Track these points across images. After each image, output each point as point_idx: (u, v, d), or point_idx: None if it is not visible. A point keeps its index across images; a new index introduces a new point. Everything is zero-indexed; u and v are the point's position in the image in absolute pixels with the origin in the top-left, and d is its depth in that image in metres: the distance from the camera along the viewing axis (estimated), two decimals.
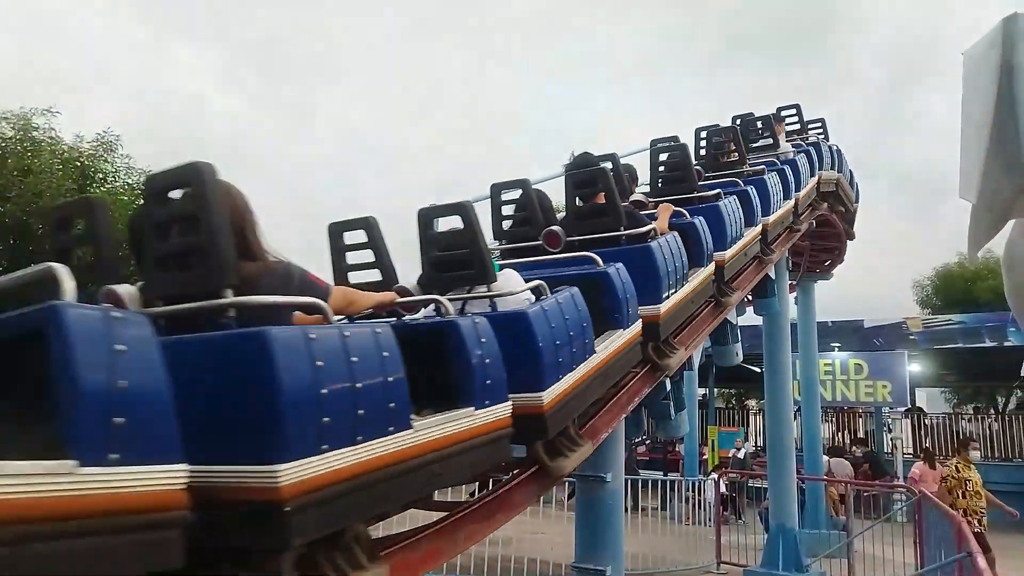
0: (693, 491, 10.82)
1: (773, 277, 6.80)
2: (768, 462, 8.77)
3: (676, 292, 4.10)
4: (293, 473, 1.69)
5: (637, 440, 18.40)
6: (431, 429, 2.19)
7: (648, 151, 6.33)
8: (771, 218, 6.21)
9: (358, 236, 2.89)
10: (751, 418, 22.13)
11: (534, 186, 4.33)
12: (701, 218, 4.65)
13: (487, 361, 2.50)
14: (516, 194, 4.27)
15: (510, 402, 2.61)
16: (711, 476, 11.87)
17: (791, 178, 7.00)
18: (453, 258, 3.06)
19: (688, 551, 9.44)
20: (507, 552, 8.45)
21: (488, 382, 2.49)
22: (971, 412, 21.09)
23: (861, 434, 19.56)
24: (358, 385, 1.90)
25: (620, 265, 3.57)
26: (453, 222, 3.06)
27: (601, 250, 3.72)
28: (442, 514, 2.61)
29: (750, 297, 6.72)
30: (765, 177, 6.27)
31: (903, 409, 16.77)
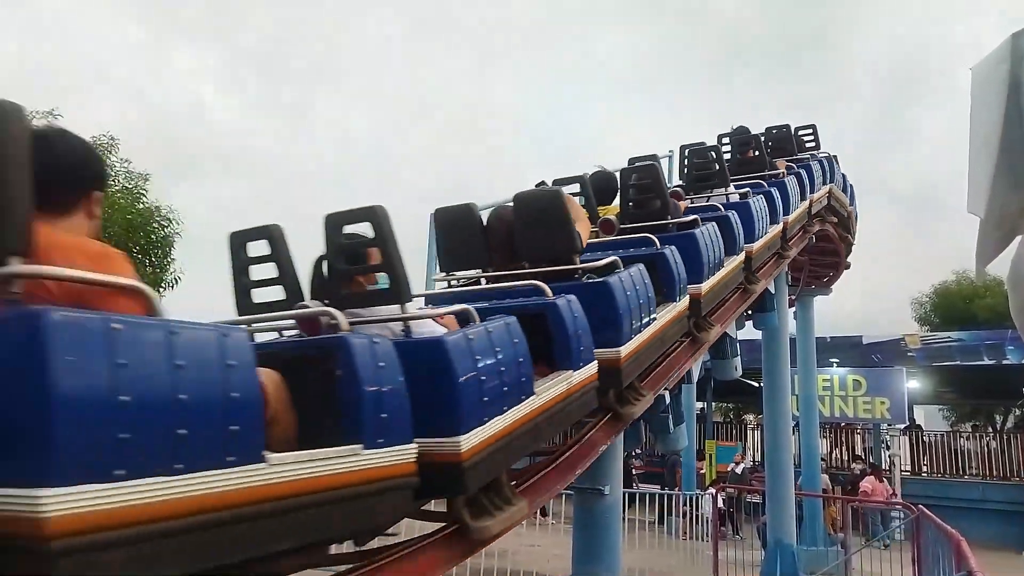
0: (690, 506, 10.77)
1: (773, 292, 6.80)
2: (767, 477, 8.73)
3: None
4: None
5: (632, 453, 18.35)
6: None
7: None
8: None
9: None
10: (749, 433, 22.08)
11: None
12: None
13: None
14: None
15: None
16: (709, 491, 11.82)
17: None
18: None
19: (685, 566, 9.39)
20: (503, 564, 8.40)
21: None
22: (969, 430, 21.05)
23: (859, 451, 19.53)
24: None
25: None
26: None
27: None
28: (439, 524, 2.58)
29: (750, 311, 6.71)
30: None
31: (901, 426, 16.74)
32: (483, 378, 2.44)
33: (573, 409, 3.06)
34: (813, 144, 9.20)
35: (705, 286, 4.54)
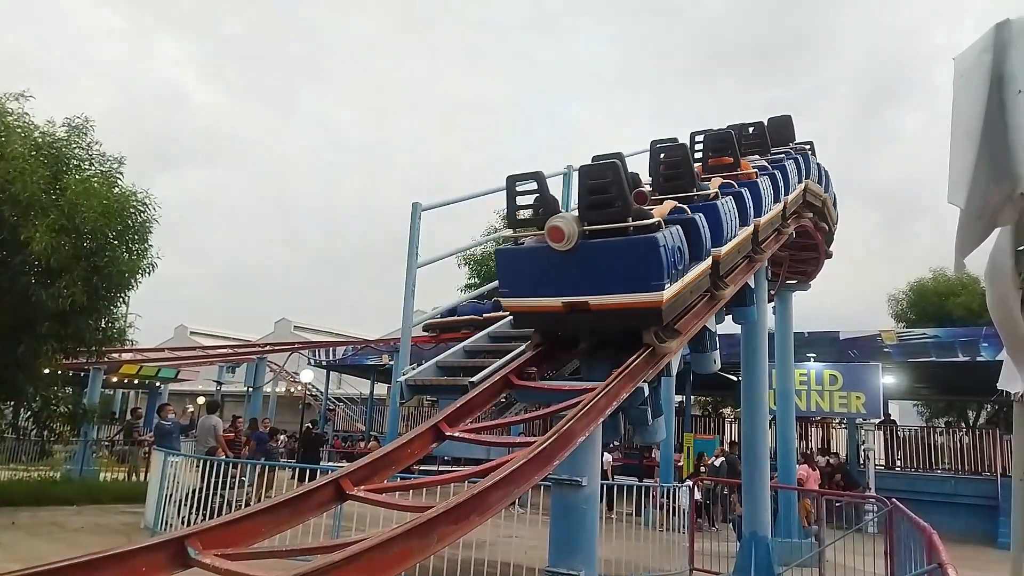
0: (667, 498, 10.82)
1: (752, 286, 6.82)
2: (743, 470, 8.79)
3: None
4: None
5: (610, 446, 18.37)
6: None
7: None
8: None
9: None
10: (726, 426, 22.25)
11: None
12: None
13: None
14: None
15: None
16: (686, 483, 11.89)
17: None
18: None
19: (662, 557, 9.43)
20: (480, 555, 8.39)
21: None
22: (943, 426, 21.36)
23: (823, 445, 19.78)
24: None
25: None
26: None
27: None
28: (415, 514, 2.56)
29: (729, 306, 6.73)
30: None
31: (876, 421, 16.94)
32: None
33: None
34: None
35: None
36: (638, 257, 4.26)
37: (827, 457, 17.91)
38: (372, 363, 24.49)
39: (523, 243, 4.78)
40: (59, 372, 12.55)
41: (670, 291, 4.37)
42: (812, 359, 16.72)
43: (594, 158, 5.57)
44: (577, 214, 4.49)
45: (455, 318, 14.32)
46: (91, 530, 10.22)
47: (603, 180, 4.46)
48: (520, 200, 4.71)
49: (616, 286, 4.31)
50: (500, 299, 5.27)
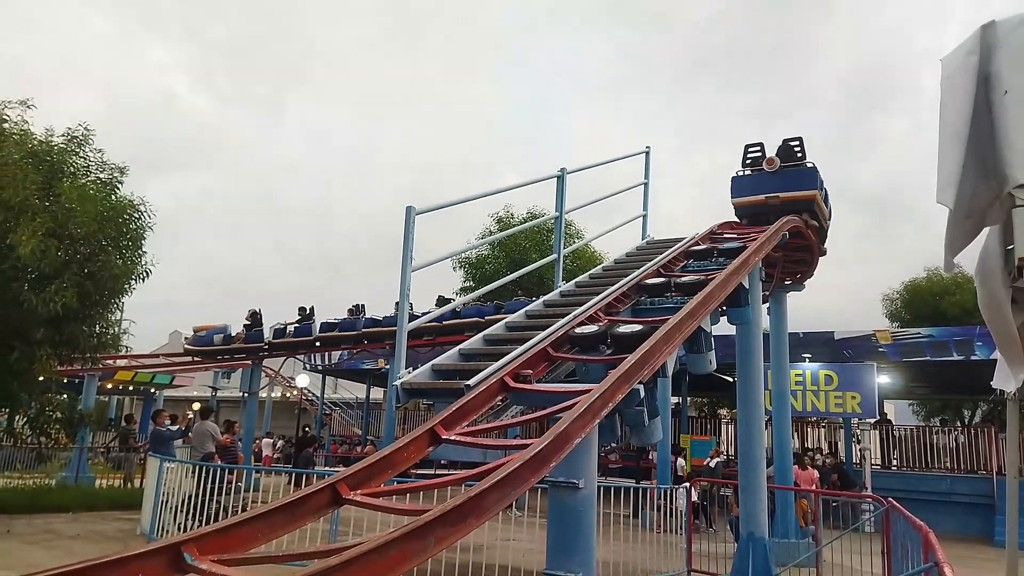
0: (665, 499, 10.83)
1: (747, 287, 6.85)
2: (739, 471, 8.81)
3: None
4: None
5: (607, 447, 18.43)
6: None
7: (605, 164, 8.74)
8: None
9: None
10: (723, 427, 22.28)
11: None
12: None
13: None
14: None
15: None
16: (683, 485, 11.91)
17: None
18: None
19: (659, 559, 9.44)
20: (478, 559, 8.39)
21: None
22: (938, 425, 21.42)
23: (816, 445, 19.81)
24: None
25: None
26: None
27: None
28: (412, 518, 2.56)
29: (724, 307, 6.76)
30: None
31: (872, 421, 16.98)
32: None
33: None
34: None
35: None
36: (805, 175, 9.85)
37: (824, 457, 17.95)
38: (368, 367, 24.46)
39: (741, 173, 10.13)
40: (54, 378, 12.51)
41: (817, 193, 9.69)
42: (807, 359, 16.77)
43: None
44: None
45: (457, 320, 14.37)
46: (87, 537, 10.18)
47: (793, 146, 10.03)
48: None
49: (793, 188, 9.67)
50: (732, 200, 10.15)
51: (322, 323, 17.36)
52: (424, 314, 10.35)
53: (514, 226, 23.71)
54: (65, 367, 13.27)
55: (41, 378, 11.82)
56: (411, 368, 5.03)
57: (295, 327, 17.60)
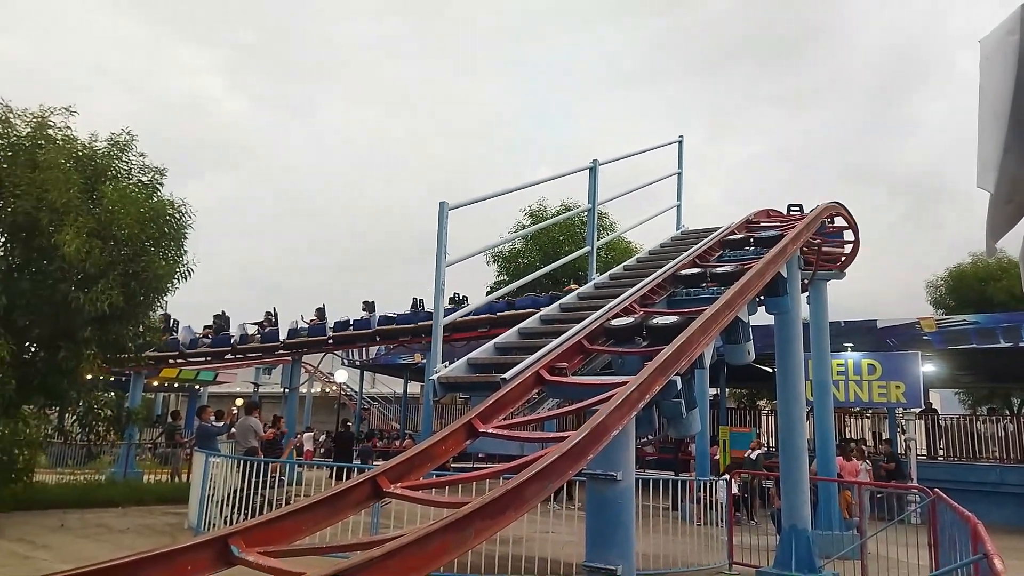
0: (705, 491, 10.75)
1: (785, 275, 6.75)
2: (780, 463, 8.70)
3: None
4: None
5: (643, 440, 18.36)
6: None
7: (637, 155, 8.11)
8: None
9: None
10: (762, 418, 22.01)
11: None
12: None
13: None
14: None
15: None
16: (723, 476, 11.81)
17: None
18: None
19: (700, 551, 9.38)
20: (517, 551, 8.43)
21: None
22: (985, 413, 20.89)
23: (860, 436, 19.46)
24: None
25: None
26: None
27: None
28: (451, 510, 2.59)
29: (762, 296, 6.68)
30: None
31: (917, 410, 16.62)
32: None
33: None
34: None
35: None
36: None
37: (880, 446, 17.63)
38: (405, 362, 24.68)
39: None
40: (101, 377, 12.88)
41: None
42: (849, 349, 16.46)
43: None
44: None
45: (471, 317, 14.46)
46: (136, 531, 10.47)
47: None
48: None
49: None
50: None
51: (381, 317, 17.89)
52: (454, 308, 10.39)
53: (547, 219, 23.68)
54: (111, 366, 13.65)
55: (88, 376, 12.17)
56: (448, 362, 5.07)
57: (355, 322, 18.27)
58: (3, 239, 11.32)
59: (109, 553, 7.51)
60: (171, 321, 19.74)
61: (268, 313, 20.22)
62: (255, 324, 20.21)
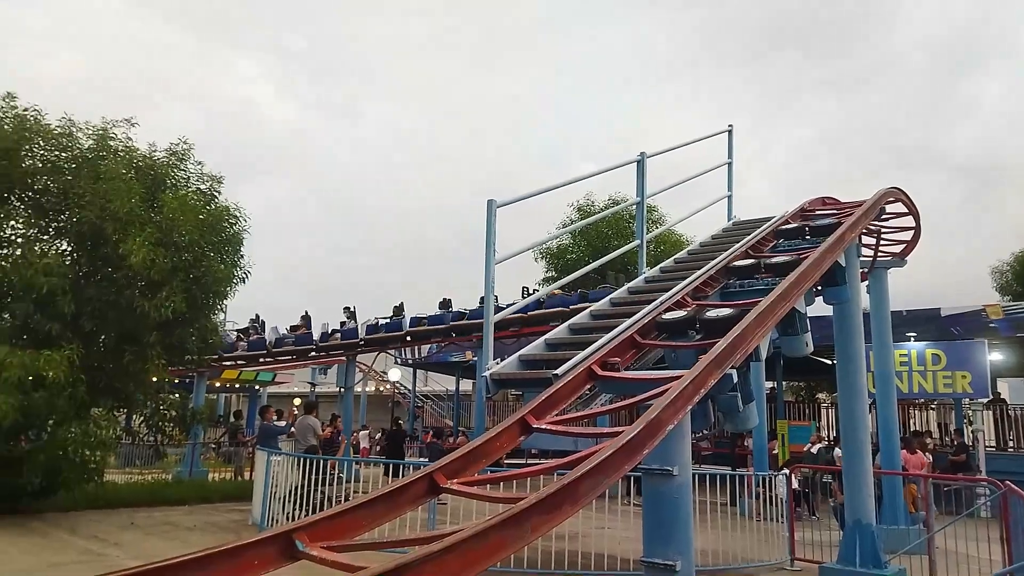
0: (763, 487, 10.57)
1: (843, 264, 6.58)
2: (843, 457, 8.49)
3: None
4: None
5: (698, 435, 18.15)
6: None
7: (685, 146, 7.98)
8: None
9: None
10: (822, 412, 21.52)
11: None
12: None
13: None
14: None
15: None
16: (782, 471, 11.58)
17: None
18: None
19: (760, 547, 9.23)
20: (573, 547, 8.42)
21: None
22: None
23: (926, 427, 18.84)
24: None
25: None
26: None
27: None
28: (507, 506, 2.60)
29: (819, 286, 6.52)
30: None
31: (984, 400, 16.02)
32: None
33: None
34: None
35: None
36: None
37: (951, 437, 17.08)
38: (456, 360, 24.88)
39: None
40: (166, 379, 13.32)
41: None
42: (912, 338, 15.96)
43: None
44: None
45: (541, 311, 14.50)
46: (203, 528, 10.81)
47: None
48: None
49: None
50: None
51: (412, 318, 18.08)
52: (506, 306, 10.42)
53: (595, 214, 23.56)
54: (175, 368, 14.12)
55: (154, 379, 12.60)
56: (499, 359, 5.09)
57: (386, 322, 18.49)
58: (70, 248, 11.79)
59: (178, 549, 7.77)
60: (259, 320, 20.32)
61: (303, 316, 20.64)
62: (287, 327, 20.64)
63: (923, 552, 8.59)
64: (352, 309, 19.57)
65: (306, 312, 20.89)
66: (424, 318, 17.97)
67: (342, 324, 19.28)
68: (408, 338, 18.54)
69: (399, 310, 18.96)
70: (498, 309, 8.68)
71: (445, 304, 18.58)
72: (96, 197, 10.97)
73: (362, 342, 18.81)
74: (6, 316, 11.12)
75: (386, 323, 18.58)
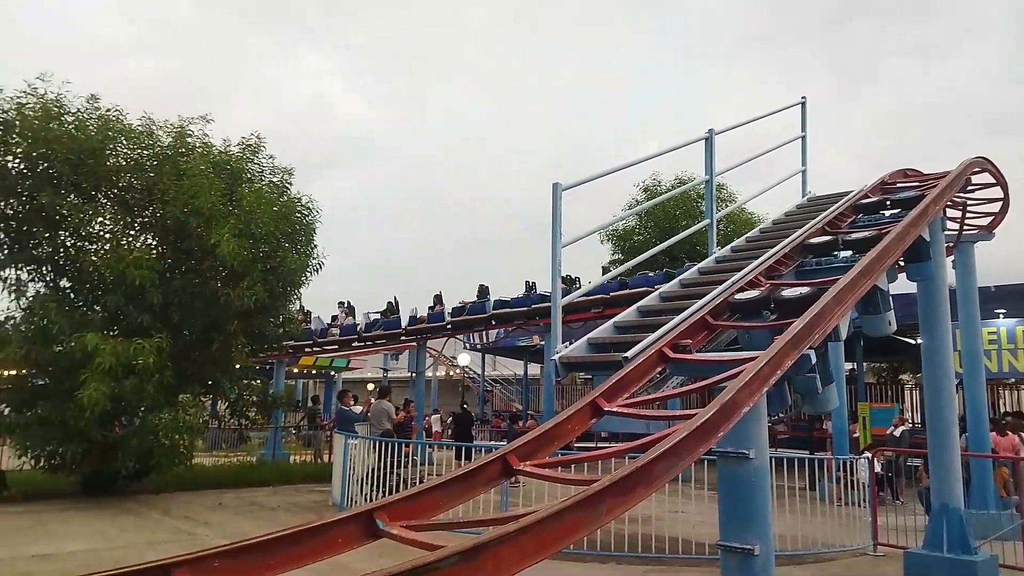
0: (844, 471, 10.26)
1: (927, 239, 6.29)
2: (928, 440, 8.15)
3: None
4: None
5: (774, 418, 17.74)
6: None
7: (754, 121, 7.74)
8: None
9: None
10: (905, 393, 20.71)
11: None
12: None
13: None
14: None
15: None
16: (864, 455, 11.23)
17: None
18: None
19: (841, 533, 8.99)
20: (647, 530, 8.39)
21: None
22: None
23: (1017, 408, 17.85)
24: None
25: None
26: None
27: None
28: (580, 488, 2.61)
29: (902, 262, 6.25)
30: None
31: None
32: None
33: None
34: None
35: None
36: None
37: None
38: (524, 344, 24.97)
39: None
40: (248, 366, 13.85)
41: None
42: (1001, 315, 15.15)
43: None
44: None
45: (627, 291, 14.37)
46: (286, 508, 11.24)
47: None
48: None
49: None
50: None
51: (496, 301, 18.39)
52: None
53: (662, 194, 23.15)
54: (258, 355, 14.66)
55: (237, 366, 13.13)
56: (568, 343, 5.09)
57: (470, 306, 18.89)
58: (155, 242, 12.36)
59: (264, 528, 8.10)
60: (348, 305, 21.11)
61: (389, 302, 21.13)
62: (377, 313, 21.17)
63: (1016, 538, 8.21)
64: (439, 294, 20.12)
65: (394, 298, 21.37)
66: (509, 300, 18.23)
67: (430, 309, 19.75)
68: (492, 321, 18.83)
69: (484, 292, 19.27)
70: (567, 292, 8.66)
71: (482, 291, 18.97)
72: (180, 193, 11.43)
73: (448, 325, 19.21)
74: (97, 308, 11.72)
75: (471, 305, 18.91)
